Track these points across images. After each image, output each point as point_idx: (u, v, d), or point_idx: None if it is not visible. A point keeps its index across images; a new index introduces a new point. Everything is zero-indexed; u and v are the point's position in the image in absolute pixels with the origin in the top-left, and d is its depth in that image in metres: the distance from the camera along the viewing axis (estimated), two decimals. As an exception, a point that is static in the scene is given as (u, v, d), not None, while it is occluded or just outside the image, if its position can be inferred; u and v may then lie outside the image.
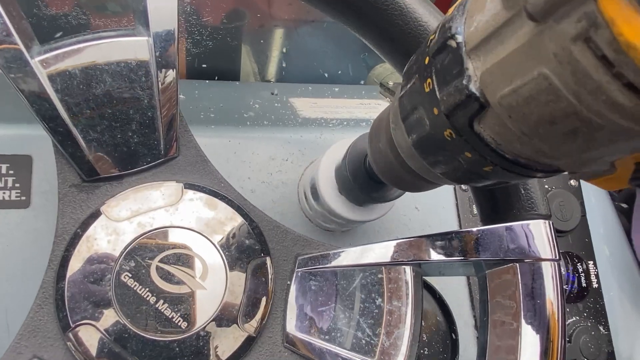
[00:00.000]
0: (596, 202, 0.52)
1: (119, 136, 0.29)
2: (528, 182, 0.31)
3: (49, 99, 0.26)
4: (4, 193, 0.37)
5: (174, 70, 0.29)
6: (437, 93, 0.18)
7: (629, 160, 0.15)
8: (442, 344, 0.42)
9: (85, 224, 0.28)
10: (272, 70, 0.79)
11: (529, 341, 0.28)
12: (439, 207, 0.47)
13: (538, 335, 0.28)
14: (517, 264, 0.29)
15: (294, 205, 0.44)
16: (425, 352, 0.41)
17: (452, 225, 0.47)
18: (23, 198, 0.38)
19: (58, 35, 0.51)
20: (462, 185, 0.47)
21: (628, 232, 0.55)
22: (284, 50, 0.77)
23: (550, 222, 0.30)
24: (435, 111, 0.19)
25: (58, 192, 0.29)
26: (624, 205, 0.60)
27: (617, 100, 0.12)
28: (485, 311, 0.30)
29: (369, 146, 0.29)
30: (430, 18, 0.27)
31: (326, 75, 0.83)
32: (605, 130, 0.13)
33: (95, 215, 0.28)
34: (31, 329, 0.27)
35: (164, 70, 0.28)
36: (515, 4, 0.14)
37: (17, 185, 0.38)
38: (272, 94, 0.54)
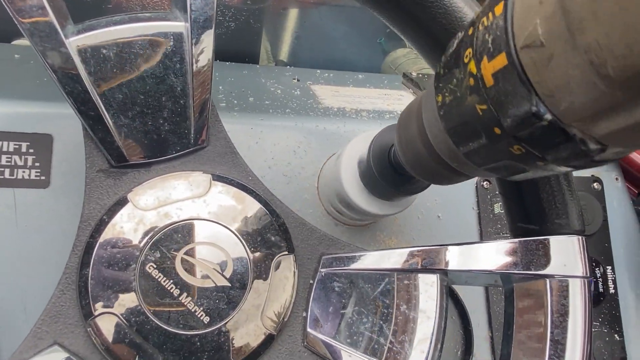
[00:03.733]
0: (618, 206, 0.51)
1: (149, 123, 0.28)
2: (564, 195, 0.30)
3: (81, 81, 0.26)
4: (23, 172, 0.37)
5: (210, 58, 0.28)
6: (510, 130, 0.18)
7: None
8: (456, 343, 0.42)
9: (112, 211, 0.28)
10: (284, 51, 0.78)
11: None
12: (459, 204, 0.46)
13: (564, 356, 0.28)
14: (547, 280, 0.29)
15: (314, 197, 0.44)
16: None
17: (471, 223, 0.46)
18: (42, 178, 0.37)
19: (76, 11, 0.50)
20: (483, 183, 0.47)
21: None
22: (298, 31, 0.76)
23: (583, 239, 0.29)
24: (497, 130, 0.18)
25: (85, 177, 0.28)
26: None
27: None
28: (510, 324, 0.30)
29: (396, 136, 0.28)
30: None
31: (341, 59, 0.81)
32: None
33: (122, 202, 0.28)
34: (53, 314, 0.27)
35: (199, 57, 0.28)
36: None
37: (37, 164, 0.37)
38: (295, 80, 0.53)
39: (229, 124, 0.43)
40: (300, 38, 0.77)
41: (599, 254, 0.49)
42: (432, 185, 0.43)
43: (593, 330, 0.47)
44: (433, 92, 0.22)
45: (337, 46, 0.81)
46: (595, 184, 0.50)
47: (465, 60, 0.18)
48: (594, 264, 0.49)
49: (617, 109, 0.14)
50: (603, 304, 0.48)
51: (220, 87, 0.48)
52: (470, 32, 0.18)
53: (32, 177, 0.37)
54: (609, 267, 0.49)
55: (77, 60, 0.25)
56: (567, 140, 0.16)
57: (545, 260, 0.29)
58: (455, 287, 0.44)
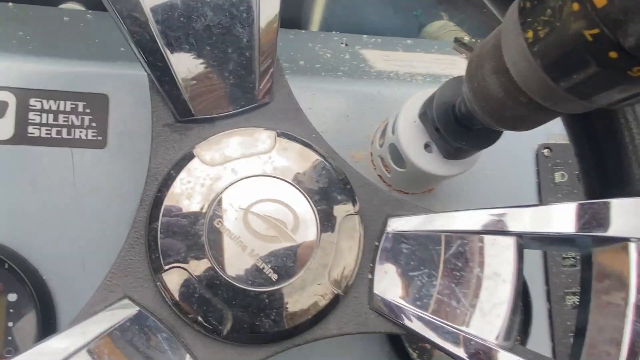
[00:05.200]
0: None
1: (215, 76, 0.27)
2: None
3: (150, 29, 0.25)
4: (80, 132, 0.36)
5: (277, 8, 0.27)
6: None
7: None
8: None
9: (179, 166, 0.27)
10: (316, 20, 0.76)
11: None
12: (518, 173, 0.45)
13: None
14: (631, 243, 0.27)
15: (367, 163, 0.43)
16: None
17: (531, 193, 0.45)
18: (99, 138, 0.37)
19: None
20: (544, 151, 0.45)
21: None
22: (329, 1, 0.74)
23: None
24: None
25: (152, 131, 0.27)
26: None
27: None
28: (587, 289, 0.28)
29: (467, 85, 0.27)
30: None
31: (374, 31, 0.79)
32: None
33: (188, 157, 0.27)
34: (123, 267, 0.26)
35: (266, 8, 0.26)
36: None
37: (93, 124, 0.37)
38: (344, 44, 0.52)
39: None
40: (332, 7, 0.75)
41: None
42: (491, 156, 0.41)
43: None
44: (516, 29, 0.20)
45: (371, 18, 0.79)
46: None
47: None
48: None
49: None
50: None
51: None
52: None
53: (89, 137, 0.37)
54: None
55: (145, 6, 0.25)
56: None
57: (628, 222, 0.28)
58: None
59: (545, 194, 0.44)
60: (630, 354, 0.26)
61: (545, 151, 0.44)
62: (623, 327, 0.26)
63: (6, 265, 0.33)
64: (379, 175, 0.43)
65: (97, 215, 0.36)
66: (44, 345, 0.24)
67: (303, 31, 0.55)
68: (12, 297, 0.33)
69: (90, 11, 0.50)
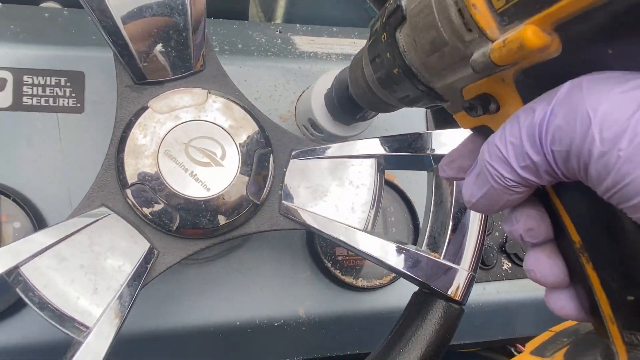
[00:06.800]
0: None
1: (161, 50, 0.38)
2: None
3: (113, 19, 0.36)
4: (63, 101, 0.47)
5: (203, 4, 0.38)
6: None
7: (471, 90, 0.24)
8: (406, 226, 0.53)
9: (137, 114, 0.38)
10: (279, 14, 0.87)
11: (457, 224, 0.38)
12: (413, 128, 0.57)
13: (466, 217, 0.38)
14: None
15: (292, 122, 0.55)
16: (394, 230, 0.52)
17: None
18: (78, 105, 0.48)
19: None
20: (429, 111, 0.57)
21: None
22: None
23: None
24: (389, 55, 0.28)
25: (117, 90, 0.39)
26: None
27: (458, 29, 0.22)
28: (429, 200, 0.40)
29: (349, 76, 0.38)
30: None
31: (334, 23, 0.89)
32: (451, 48, 0.23)
33: (144, 108, 0.39)
34: (100, 185, 0.38)
35: (195, 3, 0.38)
36: None
37: (73, 95, 0.48)
38: (278, 32, 0.64)
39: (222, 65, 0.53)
40: (294, 2, 0.85)
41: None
42: (391, 116, 0.54)
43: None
44: (365, 53, 0.32)
45: (330, 10, 0.89)
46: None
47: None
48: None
49: None
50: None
51: (214, 37, 0.58)
52: None
53: (70, 104, 0.48)
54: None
55: (111, 6, 0.36)
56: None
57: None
58: (406, 191, 0.55)
59: (432, 143, 0.57)
60: (451, 231, 0.38)
61: (429, 111, 0.57)
62: (447, 226, 0.38)
63: (11, 199, 0.44)
64: (301, 132, 0.55)
65: (78, 162, 0.47)
66: (36, 235, 0.35)
67: (246, 22, 0.67)
68: (17, 224, 0.44)
69: (65, 8, 0.60)
